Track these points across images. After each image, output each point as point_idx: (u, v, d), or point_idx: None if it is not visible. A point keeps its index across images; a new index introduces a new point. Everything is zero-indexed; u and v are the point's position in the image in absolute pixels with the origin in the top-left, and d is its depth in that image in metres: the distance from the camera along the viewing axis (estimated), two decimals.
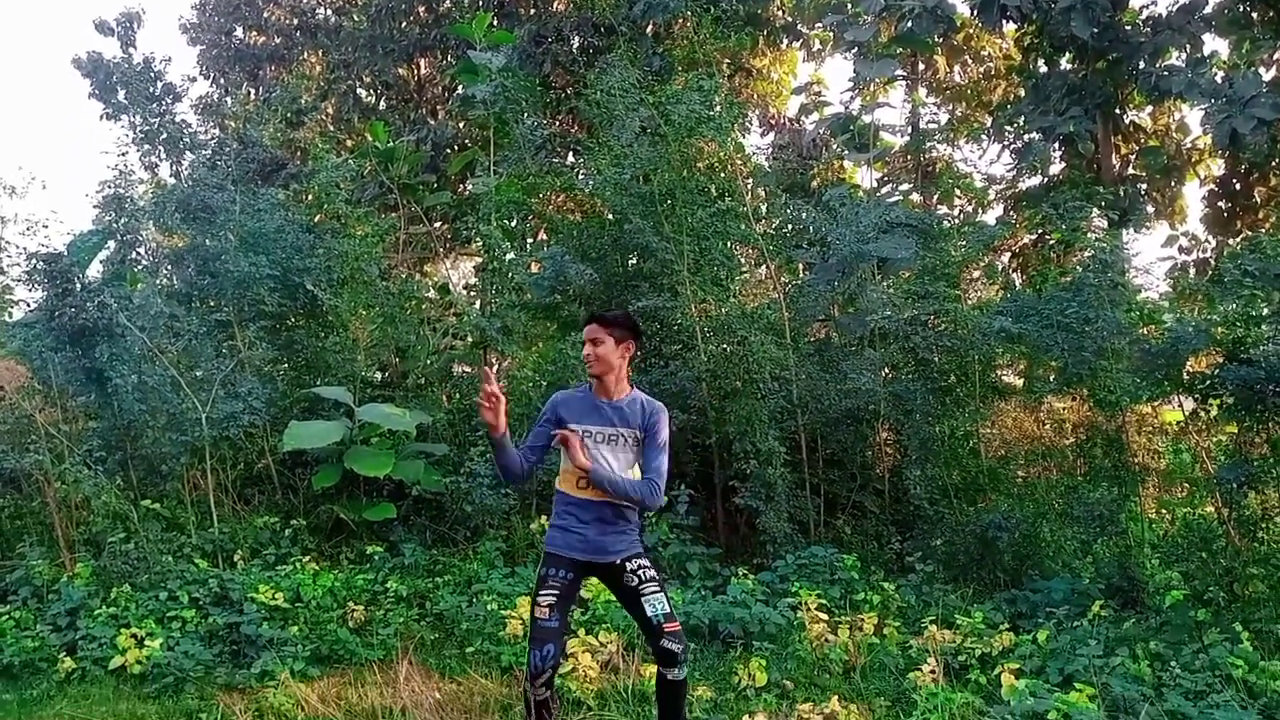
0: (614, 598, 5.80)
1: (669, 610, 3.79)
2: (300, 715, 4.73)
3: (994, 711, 4.10)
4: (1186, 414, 6.68)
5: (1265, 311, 6.01)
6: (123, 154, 9.16)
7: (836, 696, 4.44)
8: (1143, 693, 4.26)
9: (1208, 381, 6.02)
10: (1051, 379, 7.37)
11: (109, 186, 9.36)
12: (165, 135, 9.21)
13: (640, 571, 3.83)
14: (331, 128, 15.19)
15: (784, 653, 5.44)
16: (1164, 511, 7.21)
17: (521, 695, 4.00)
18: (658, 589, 3.82)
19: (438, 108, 15.79)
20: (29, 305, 8.60)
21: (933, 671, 4.71)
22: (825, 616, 5.69)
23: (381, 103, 16.16)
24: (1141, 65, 11.58)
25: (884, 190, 13.03)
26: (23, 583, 6.31)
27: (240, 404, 7.50)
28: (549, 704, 3.83)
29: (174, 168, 10.22)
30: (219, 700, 4.94)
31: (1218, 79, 11.23)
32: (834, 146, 13.82)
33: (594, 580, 5.98)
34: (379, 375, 9.74)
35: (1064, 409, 8.67)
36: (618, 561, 3.84)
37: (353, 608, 6.24)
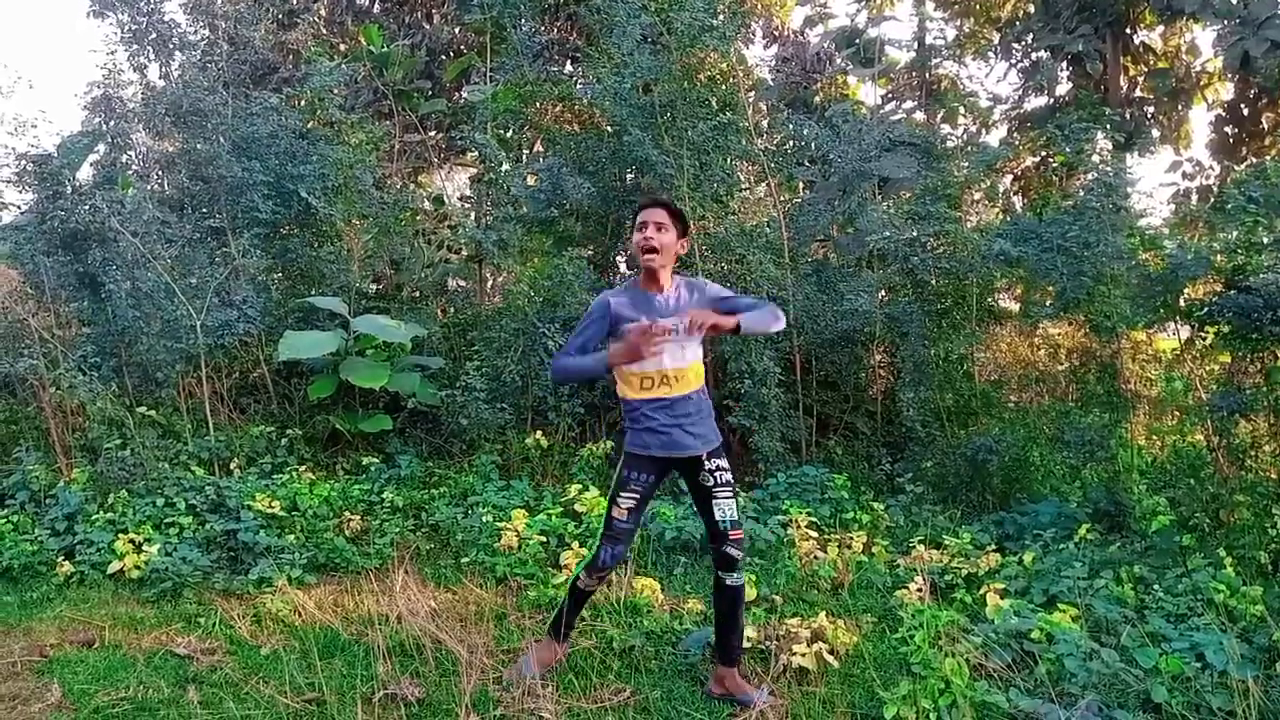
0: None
1: (736, 518, 3.82)
2: (297, 621, 4.80)
3: (978, 630, 4.17)
4: (1181, 342, 6.68)
5: (1266, 240, 5.97)
6: (110, 53, 8.93)
7: (824, 612, 4.52)
8: (1125, 614, 4.34)
9: (1205, 309, 6.00)
10: (1048, 304, 7.35)
11: (97, 87, 9.16)
12: (154, 35, 8.96)
13: (718, 473, 3.81)
14: (324, 30, 14.80)
15: (774, 569, 5.53)
16: (1154, 438, 7.26)
17: (568, 586, 4.08)
18: (730, 494, 3.82)
19: (433, 11, 15.36)
20: (19, 208, 8.47)
21: (919, 590, 4.79)
22: (815, 534, 5.77)
23: (376, 5, 15.72)
24: None
25: (887, 108, 12.83)
26: (20, 487, 6.35)
27: (235, 312, 7.47)
28: (591, 593, 4.04)
29: (163, 69, 9.99)
30: (217, 605, 5.02)
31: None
32: (838, 61, 13.56)
33: (587, 495, 6.09)
34: (373, 287, 9.69)
35: (1059, 334, 8.68)
36: (701, 455, 3.81)
37: (349, 517, 6.31)
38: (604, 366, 3.72)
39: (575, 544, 5.51)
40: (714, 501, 3.80)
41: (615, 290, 3.95)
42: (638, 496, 3.84)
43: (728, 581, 3.80)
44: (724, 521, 3.79)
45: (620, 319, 3.77)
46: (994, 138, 13.96)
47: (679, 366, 3.78)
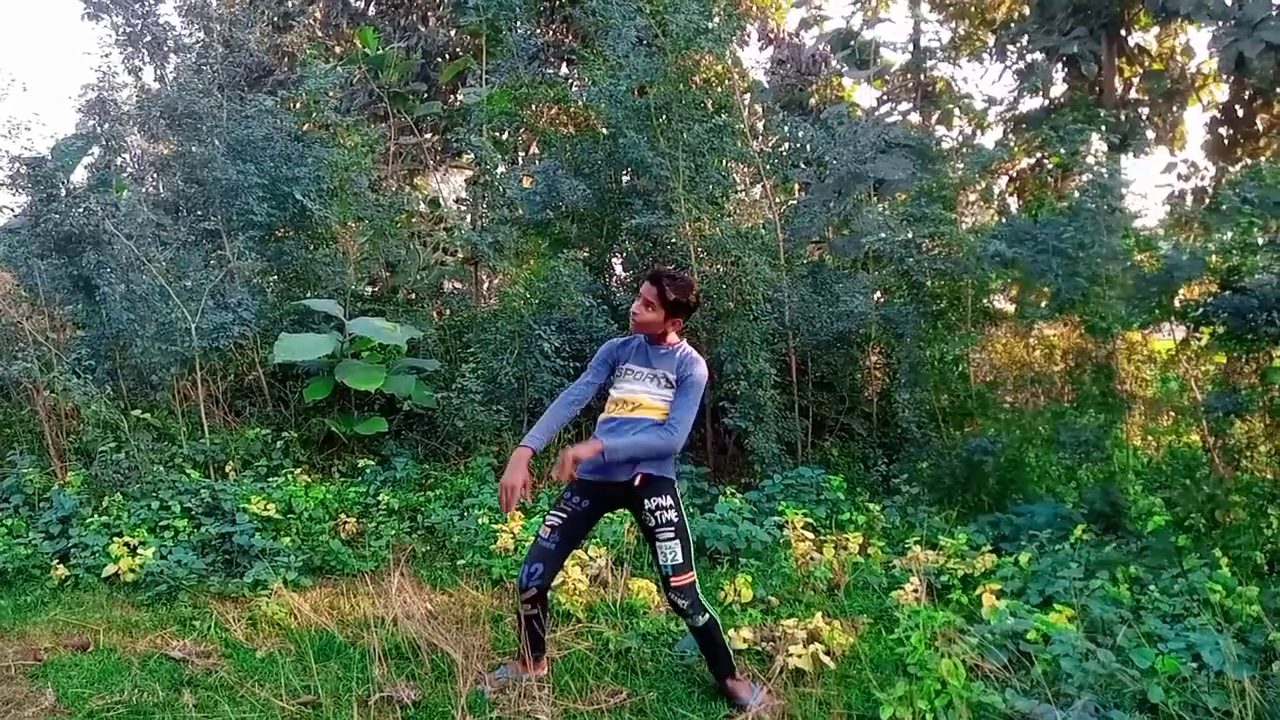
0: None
1: (680, 560, 3.70)
2: (293, 623, 4.79)
3: (974, 630, 4.17)
4: (1176, 343, 6.69)
5: (1261, 240, 5.98)
6: (105, 56, 8.93)
7: (820, 613, 4.52)
8: (1121, 615, 4.34)
9: (1200, 309, 6.01)
10: (1043, 305, 7.35)
11: (92, 90, 9.15)
12: (149, 37, 8.96)
13: (658, 513, 3.72)
14: (320, 33, 14.80)
15: (770, 570, 5.53)
16: (1149, 439, 7.27)
17: (513, 607, 4.03)
18: (672, 535, 3.72)
19: (429, 14, 15.36)
20: (13, 211, 8.46)
21: (915, 591, 4.79)
22: (811, 535, 5.76)
23: (371, 8, 15.71)
24: None
25: (883, 109, 12.84)
26: (14, 490, 6.32)
27: (230, 315, 7.46)
28: (538, 619, 3.85)
29: (158, 71, 9.98)
30: (212, 608, 5.00)
31: (1227, 1, 11.00)
32: (833, 63, 13.58)
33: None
34: (369, 289, 9.67)
35: (1054, 335, 8.68)
36: (634, 486, 3.72)
37: (344, 520, 6.30)
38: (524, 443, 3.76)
39: None
40: (655, 544, 3.74)
41: (625, 338, 4.04)
42: (565, 516, 3.80)
43: (686, 624, 3.82)
44: (665, 568, 3.72)
45: (616, 361, 3.94)
46: (989, 139, 13.98)
47: (635, 395, 3.82)
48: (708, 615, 3.77)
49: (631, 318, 3.88)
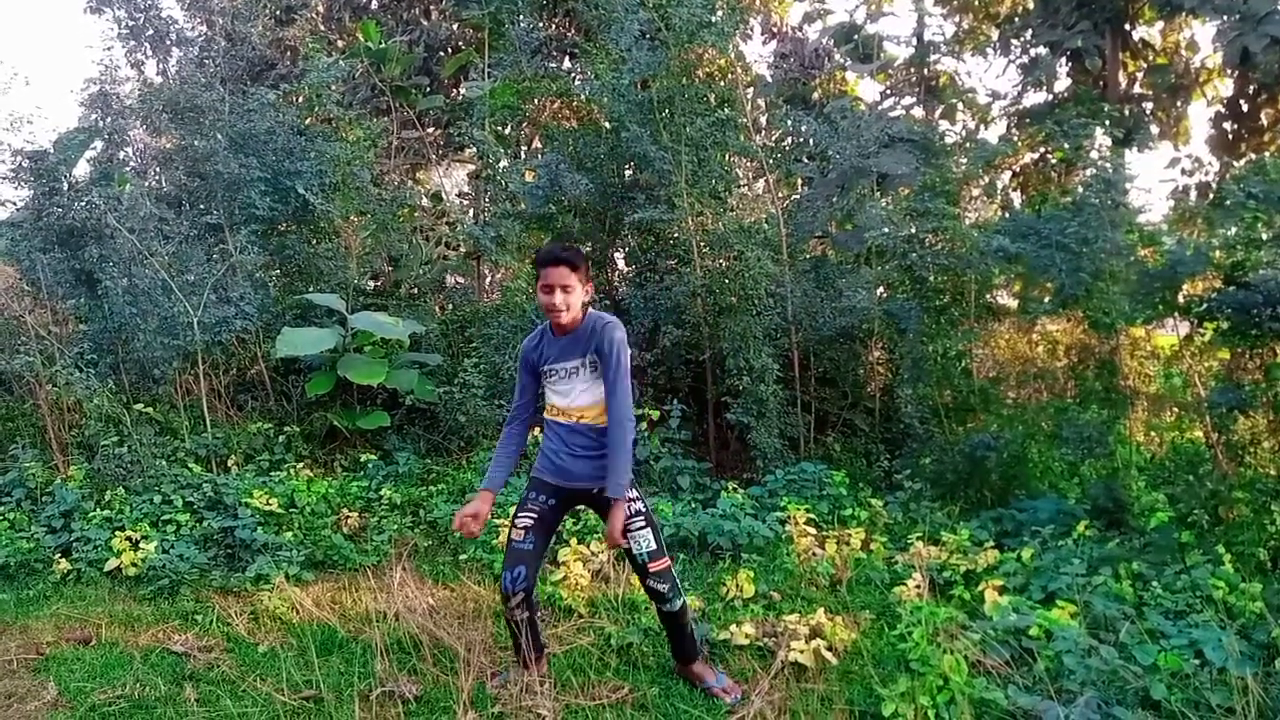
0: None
1: (655, 547, 3.72)
2: (295, 618, 4.79)
3: (977, 626, 4.16)
4: (1180, 338, 6.67)
5: (1266, 236, 5.95)
6: (108, 49, 8.94)
7: (823, 609, 4.52)
8: (1124, 611, 4.33)
9: (1204, 305, 5.98)
10: (1047, 300, 7.34)
11: (94, 83, 9.14)
12: (151, 31, 8.96)
13: (627, 504, 3.68)
14: (322, 27, 14.77)
15: (772, 565, 5.52)
16: (1153, 435, 7.25)
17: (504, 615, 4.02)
18: (643, 524, 3.72)
19: (431, 8, 15.32)
20: (15, 205, 8.46)
21: (918, 586, 4.79)
22: (813, 531, 5.76)
23: (373, 1, 15.68)
24: None
25: (886, 104, 12.80)
26: (16, 484, 6.34)
27: (232, 309, 7.46)
28: (532, 623, 3.80)
29: (160, 65, 9.98)
30: (214, 602, 5.01)
31: None
32: (837, 57, 13.52)
33: None
34: (371, 284, 9.68)
35: (1057, 331, 8.66)
36: (594, 490, 3.71)
37: (347, 514, 6.30)
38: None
39: (573, 540, 5.49)
40: (628, 535, 3.69)
41: (530, 335, 3.90)
42: (534, 517, 3.75)
43: (662, 609, 3.82)
44: (640, 555, 3.71)
45: (536, 365, 3.81)
46: (993, 134, 13.90)
47: (577, 405, 3.74)
48: (683, 599, 3.84)
49: (554, 316, 3.65)
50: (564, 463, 3.75)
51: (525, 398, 3.89)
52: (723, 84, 8.48)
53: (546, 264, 3.63)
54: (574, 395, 3.74)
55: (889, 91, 14.03)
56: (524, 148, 11.04)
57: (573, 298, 3.64)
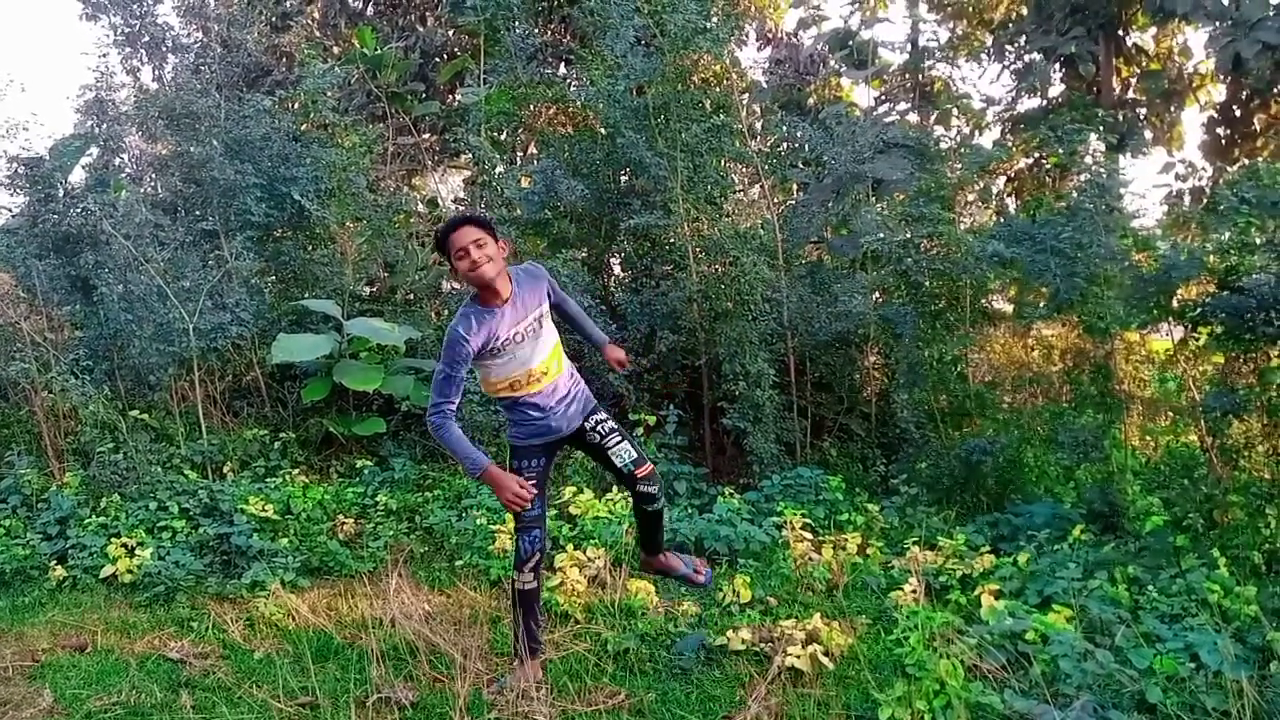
0: (602, 512, 5.89)
1: (637, 455, 3.89)
2: (291, 625, 4.79)
3: (973, 631, 4.16)
4: (1175, 343, 6.69)
5: (1259, 240, 5.98)
6: (103, 56, 8.93)
7: (819, 614, 4.52)
8: (1119, 615, 4.34)
9: (1198, 309, 6.01)
10: (1042, 305, 7.36)
11: (90, 90, 9.14)
12: (147, 37, 8.96)
13: (599, 426, 3.90)
14: (317, 33, 14.79)
15: (768, 570, 5.52)
16: (1148, 439, 7.27)
17: (510, 598, 4.06)
18: (620, 438, 3.90)
19: (426, 14, 15.34)
20: (11, 211, 8.46)
21: (914, 591, 4.79)
22: (809, 536, 5.76)
23: (369, 7, 15.70)
24: None
25: (881, 109, 12.84)
26: (12, 491, 6.33)
27: (227, 315, 7.46)
28: (538, 594, 3.91)
29: (156, 72, 9.98)
30: (210, 609, 5.00)
31: (1224, 1, 11.01)
32: (832, 63, 13.58)
33: (583, 497, 6.09)
34: (367, 290, 9.67)
35: (1053, 335, 8.69)
36: (580, 423, 3.91)
37: (342, 520, 6.30)
38: (474, 471, 3.71)
39: (570, 546, 5.49)
40: (609, 453, 3.89)
41: (463, 321, 3.65)
42: (534, 482, 3.83)
43: (648, 509, 3.96)
44: (625, 466, 3.89)
45: (484, 348, 3.67)
46: (987, 139, 13.97)
47: (543, 359, 3.81)
48: (664, 501, 4.04)
49: (480, 275, 3.57)
50: (556, 422, 3.86)
51: (460, 392, 3.72)
52: (718, 90, 8.50)
53: (451, 231, 3.64)
54: (538, 351, 3.78)
55: (884, 97, 14.08)
56: (520, 154, 11.05)
57: (489, 249, 3.61)
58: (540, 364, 3.79)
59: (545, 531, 3.94)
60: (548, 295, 3.88)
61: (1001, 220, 8.91)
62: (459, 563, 5.73)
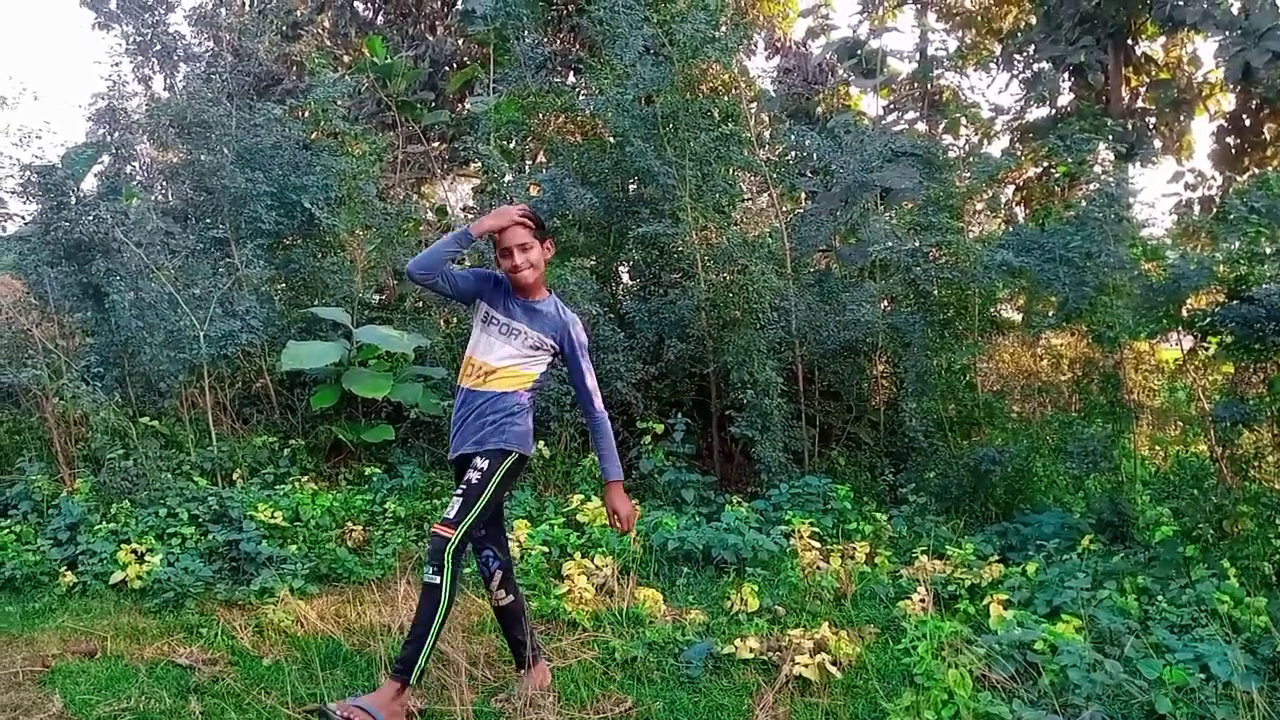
0: (607, 521, 5.89)
1: (451, 515, 3.56)
2: (299, 631, 4.79)
3: (982, 640, 4.16)
4: (1184, 352, 6.68)
5: (1269, 250, 5.96)
6: (115, 65, 9.00)
7: (827, 623, 4.51)
8: (1129, 625, 4.32)
9: (1208, 319, 5.99)
10: (1050, 314, 7.36)
11: (102, 99, 9.20)
12: (159, 46, 9.02)
13: (470, 473, 3.63)
14: (328, 42, 14.87)
15: (776, 579, 5.52)
16: (1157, 449, 7.25)
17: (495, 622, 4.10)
18: (460, 494, 3.61)
19: (436, 23, 15.43)
20: (23, 219, 8.51)
21: (922, 601, 4.78)
22: (818, 545, 5.75)
23: (379, 17, 15.80)
24: None
25: (889, 118, 12.85)
26: (22, 497, 6.35)
27: (238, 322, 7.48)
28: (519, 605, 3.93)
29: (167, 80, 10.04)
30: (219, 615, 5.01)
31: (1233, 10, 11.01)
32: (840, 72, 13.60)
33: (590, 505, 6.09)
34: (376, 297, 9.70)
35: (1062, 345, 8.68)
36: (467, 453, 3.70)
37: (351, 528, 6.31)
38: (466, 237, 3.66)
39: (577, 554, 5.50)
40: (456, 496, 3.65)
41: (500, 274, 3.82)
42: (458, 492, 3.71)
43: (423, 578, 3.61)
44: (443, 515, 3.64)
45: (480, 293, 3.76)
46: (996, 148, 13.96)
47: (484, 359, 3.73)
48: (439, 580, 3.52)
49: (520, 279, 3.68)
50: (455, 438, 3.76)
51: (459, 284, 3.74)
52: (726, 99, 8.52)
53: (504, 227, 3.68)
54: (491, 349, 3.72)
55: (892, 106, 14.09)
56: (529, 162, 11.09)
57: (533, 255, 3.68)
58: (479, 360, 3.74)
59: (497, 551, 3.85)
60: (558, 341, 3.76)
61: (1010, 229, 8.91)
62: (467, 570, 5.72)
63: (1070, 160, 7.16)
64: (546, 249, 3.79)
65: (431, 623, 3.53)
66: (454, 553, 3.55)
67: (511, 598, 3.89)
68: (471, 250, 9.29)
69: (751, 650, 4.31)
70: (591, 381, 3.80)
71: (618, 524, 3.79)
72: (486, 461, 3.63)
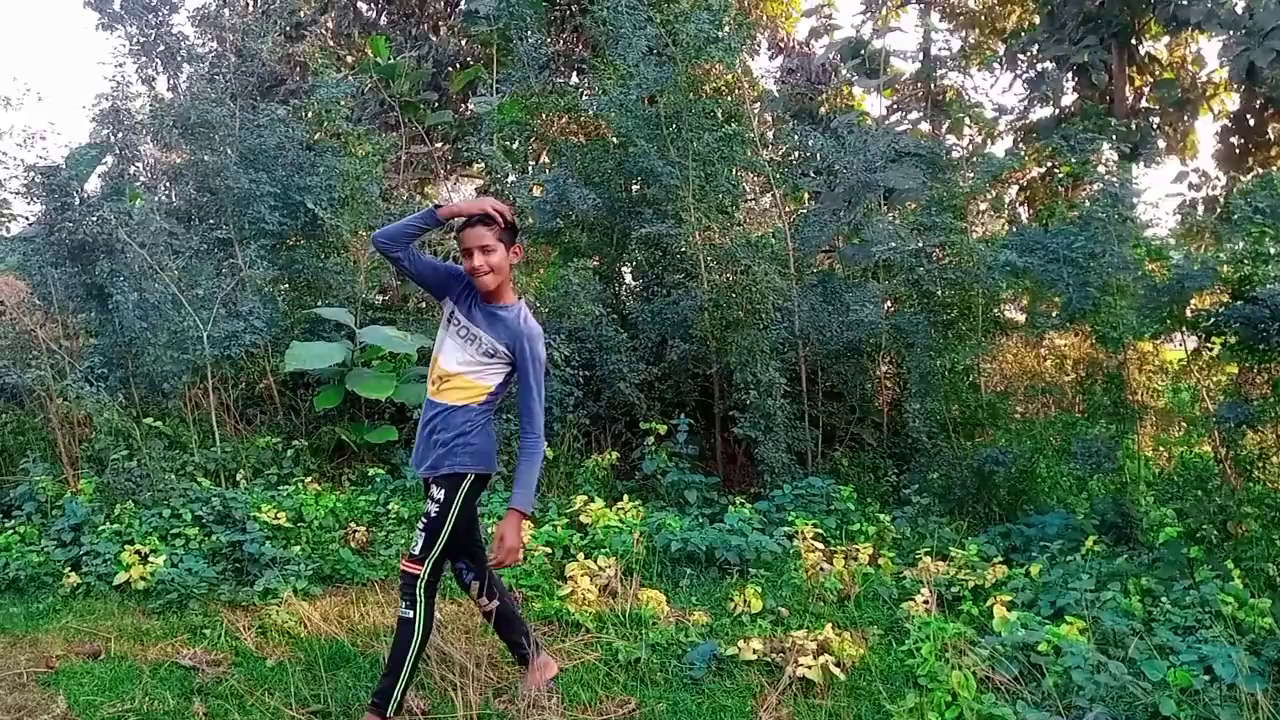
0: (613, 521, 5.90)
1: (416, 551, 3.53)
2: (303, 632, 4.80)
3: (985, 642, 4.16)
4: (1188, 353, 6.67)
5: (1273, 250, 5.95)
6: (119, 65, 9.00)
7: (830, 624, 4.51)
8: (1133, 626, 4.31)
9: (1212, 320, 5.98)
10: (1054, 315, 7.34)
11: (106, 99, 9.21)
12: (162, 47, 9.04)
13: (429, 504, 3.56)
14: (331, 43, 14.88)
15: (779, 580, 5.52)
16: (1161, 450, 7.23)
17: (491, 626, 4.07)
18: (423, 526, 3.55)
19: (440, 24, 15.43)
20: (27, 219, 8.53)
21: (926, 602, 4.78)
22: (821, 546, 5.75)
23: (383, 17, 15.80)
24: None
25: (893, 118, 12.84)
26: (26, 498, 6.35)
27: (241, 323, 7.49)
28: (508, 608, 3.91)
29: (171, 81, 10.06)
30: (223, 616, 5.02)
31: (1237, 9, 10.99)
32: (843, 72, 13.59)
33: (593, 506, 6.09)
34: (380, 298, 9.71)
35: (1065, 345, 8.66)
36: (425, 477, 3.62)
37: (354, 528, 6.31)
38: (432, 216, 3.50)
39: (580, 555, 5.50)
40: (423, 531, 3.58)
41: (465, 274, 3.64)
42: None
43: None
44: (409, 548, 3.59)
45: (448, 288, 3.64)
46: (999, 148, 13.95)
47: (442, 364, 3.62)
48: (413, 615, 3.51)
49: (480, 281, 3.50)
50: (416, 451, 3.69)
51: (428, 272, 3.67)
52: (730, 99, 8.53)
53: (463, 228, 3.53)
54: (447, 351, 3.61)
55: (896, 106, 14.08)
56: (532, 163, 11.10)
57: (494, 258, 3.49)
58: (440, 363, 3.63)
59: (469, 561, 3.82)
60: (512, 349, 3.55)
61: (1014, 229, 8.91)
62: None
63: (1074, 160, 7.15)
64: (514, 253, 3.59)
65: (407, 655, 3.53)
66: (425, 587, 3.54)
67: (497, 601, 3.86)
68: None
69: (755, 651, 4.31)
70: (537, 403, 3.54)
71: (499, 553, 3.45)
72: (442, 491, 3.54)
